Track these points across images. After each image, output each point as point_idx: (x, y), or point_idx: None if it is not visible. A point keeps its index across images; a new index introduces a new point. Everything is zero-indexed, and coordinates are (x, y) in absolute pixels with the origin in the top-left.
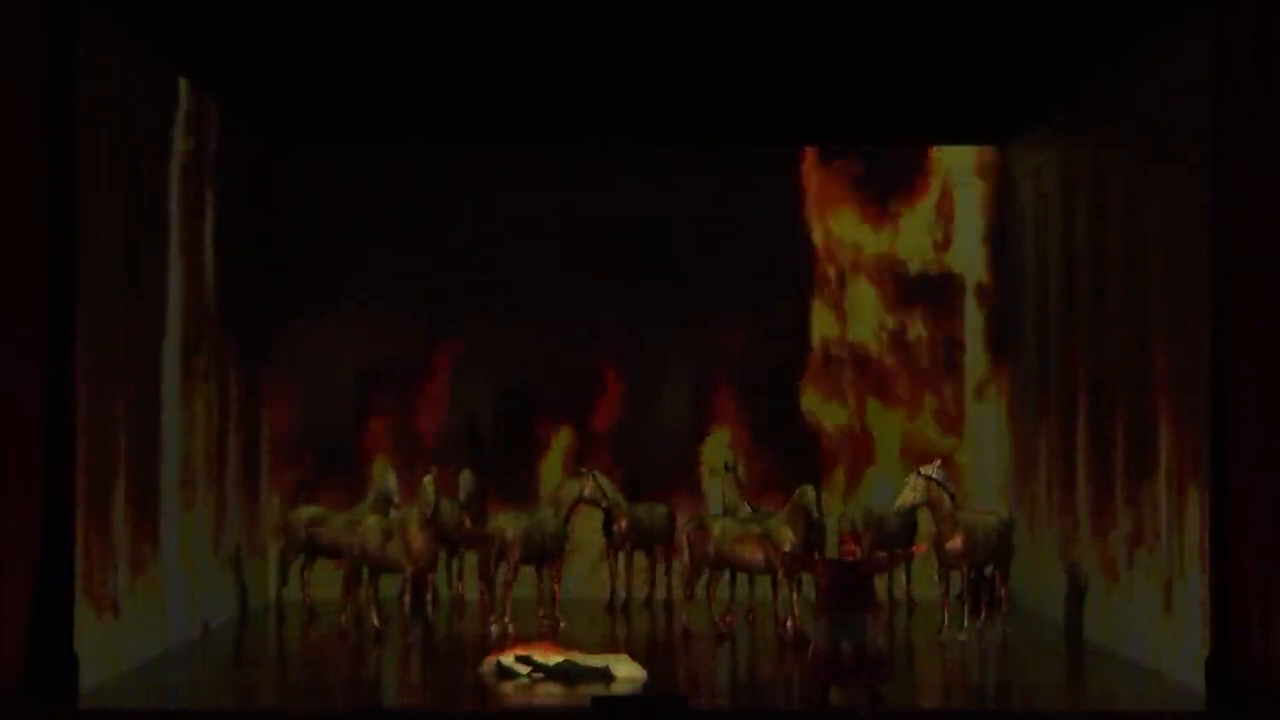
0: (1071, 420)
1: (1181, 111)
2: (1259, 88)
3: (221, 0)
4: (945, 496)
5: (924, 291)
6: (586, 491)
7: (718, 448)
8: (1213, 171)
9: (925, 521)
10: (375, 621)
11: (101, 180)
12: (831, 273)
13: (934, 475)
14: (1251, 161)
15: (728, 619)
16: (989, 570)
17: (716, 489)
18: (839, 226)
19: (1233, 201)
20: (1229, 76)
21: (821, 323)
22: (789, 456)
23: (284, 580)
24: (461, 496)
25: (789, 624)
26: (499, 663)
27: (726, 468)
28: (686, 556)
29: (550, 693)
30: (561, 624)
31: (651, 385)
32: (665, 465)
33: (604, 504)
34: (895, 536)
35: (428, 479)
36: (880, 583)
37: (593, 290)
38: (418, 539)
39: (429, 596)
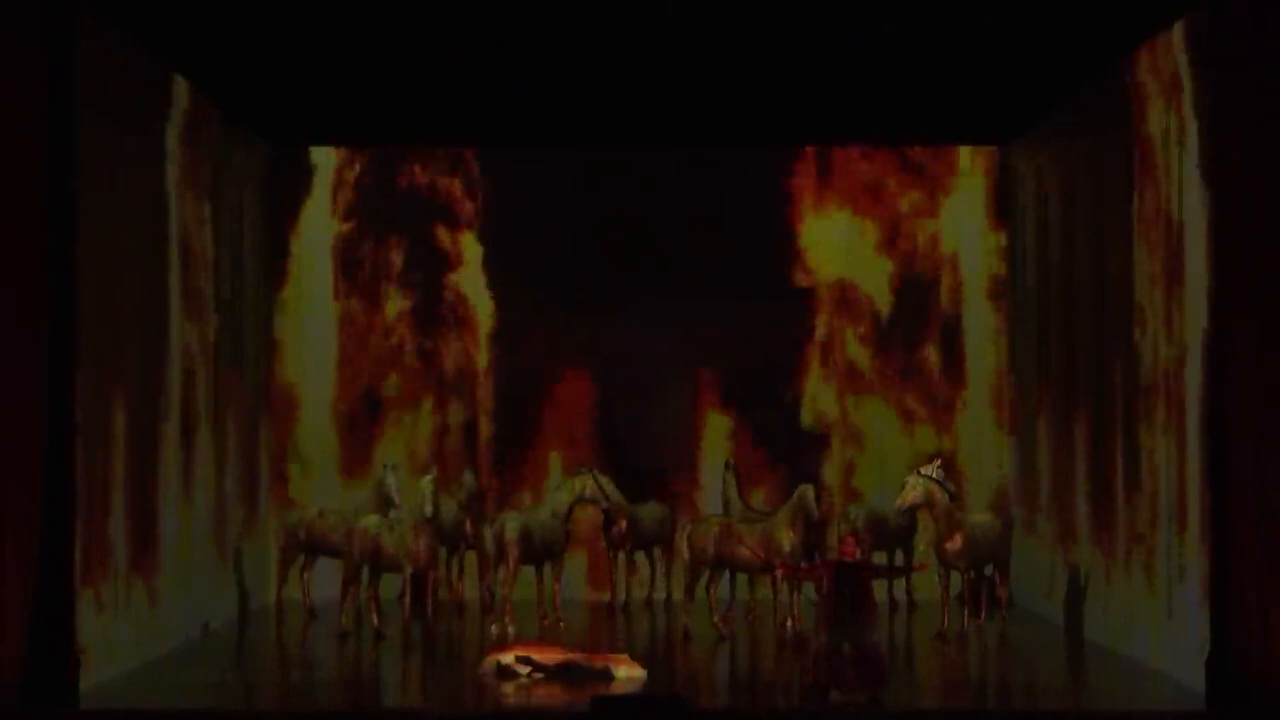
0: (1071, 419)
1: (1180, 111)
2: (1257, 87)
3: (221, 1)
4: (945, 496)
5: (922, 290)
6: (586, 491)
7: (717, 447)
8: (1212, 171)
9: (925, 521)
10: (375, 621)
11: (101, 180)
12: (831, 271)
13: (934, 475)
14: (1250, 160)
15: (728, 619)
16: (989, 570)
17: (715, 489)
18: (837, 225)
19: (1232, 200)
20: (1227, 76)
21: (822, 321)
22: (789, 456)
23: (284, 580)
24: (462, 497)
25: (789, 624)
26: (499, 663)
27: (726, 467)
28: (686, 557)
29: (550, 693)
30: (561, 624)
31: (651, 385)
32: (664, 465)
33: (604, 504)
34: (895, 536)
35: (427, 479)
36: (880, 583)
37: (592, 289)
38: (418, 539)
39: (429, 596)
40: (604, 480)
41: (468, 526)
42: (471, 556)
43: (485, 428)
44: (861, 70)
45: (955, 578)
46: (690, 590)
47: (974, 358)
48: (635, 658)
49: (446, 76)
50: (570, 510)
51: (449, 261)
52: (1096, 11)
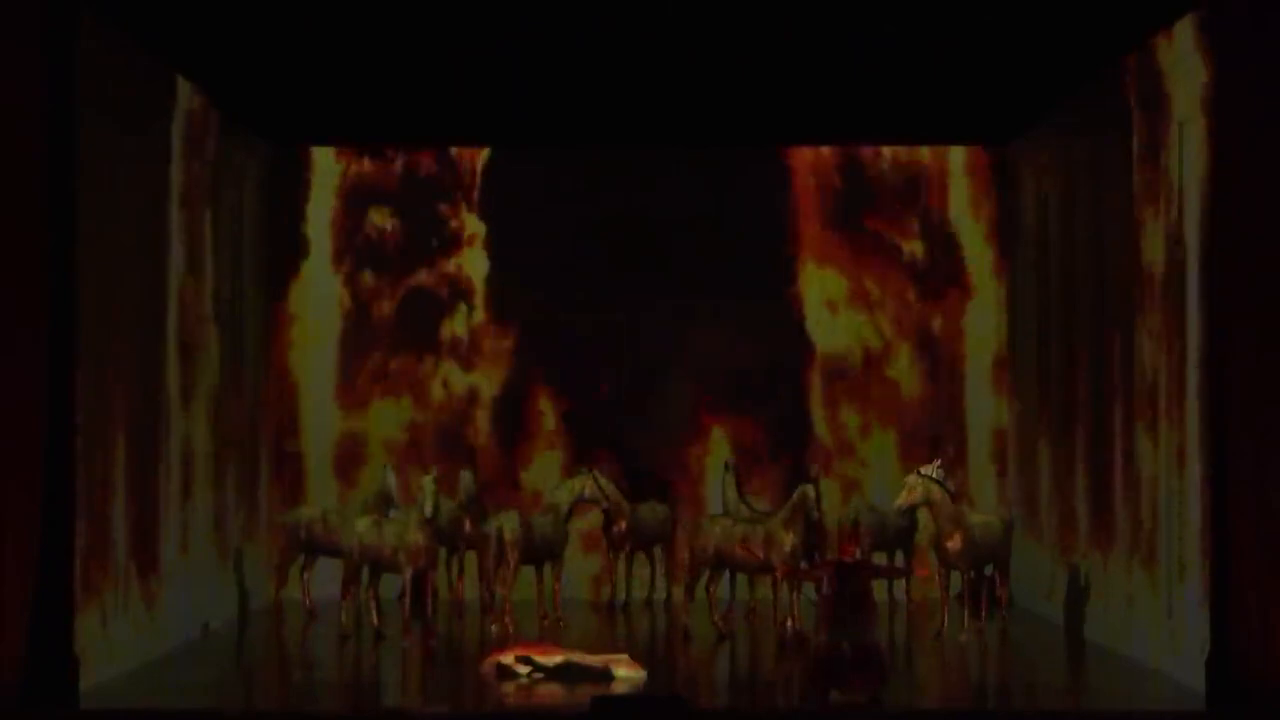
0: (1072, 419)
1: (1180, 111)
2: (1257, 87)
3: (221, 1)
4: (945, 496)
5: (923, 290)
6: (586, 491)
7: (717, 448)
8: (1212, 170)
9: (925, 521)
10: (375, 621)
11: (101, 180)
12: (830, 271)
13: (934, 475)
14: (1250, 160)
15: (728, 619)
16: (989, 570)
17: (716, 489)
18: (838, 225)
19: (1232, 200)
20: (1227, 75)
21: (822, 320)
22: (788, 456)
23: (284, 580)
24: (461, 497)
25: (789, 624)
26: (499, 663)
27: (726, 468)
28: (686, 557)
29: (550, 693)
30: (561, 624)
31: (651, 385)
32: (664, 465)
33: (604, 504)
34: (895, 536)
35: (428, 479)
36: (880, 582)
37: (592, 289)
38: (418, 539)
39: (429, 596)
40: (604, 480)
41: (467, 526)
42: (471, 556)
43: (485, 428)
44: (861, 70)
45: (955, 578)
46: (690, 590)
47: (974, 355)
48: (635, 658)
49: (446, 76)
50: (570, 510)
51: (448, 261)
52: (1096, 12)
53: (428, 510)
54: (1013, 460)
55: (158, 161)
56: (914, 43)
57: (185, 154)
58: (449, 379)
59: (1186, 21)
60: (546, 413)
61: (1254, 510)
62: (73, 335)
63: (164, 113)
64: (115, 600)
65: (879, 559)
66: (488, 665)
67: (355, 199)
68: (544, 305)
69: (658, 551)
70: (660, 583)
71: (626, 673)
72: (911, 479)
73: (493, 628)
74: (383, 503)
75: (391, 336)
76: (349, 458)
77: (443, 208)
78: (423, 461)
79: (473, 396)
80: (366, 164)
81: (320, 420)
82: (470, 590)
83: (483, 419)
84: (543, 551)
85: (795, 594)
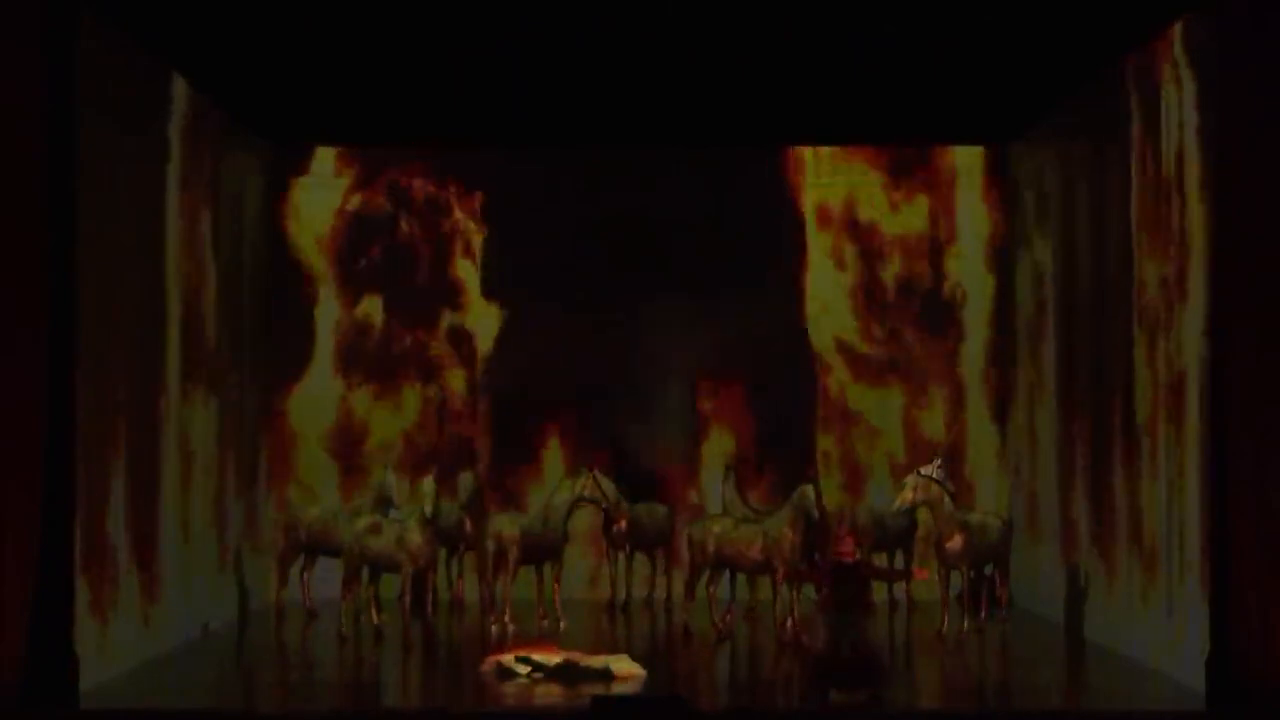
0: (1071, 419)
1: (1180, 111)
2: (1257, 87)
3: (221, 1)
4: (945, 496)
5: (924, 289)
6: (586, 491)
7: (717, 448)
8: (1212, 171)
9: (925, 521)
10: (375, 621)
11: (101, 180)
12: (832, 271)
13: (934, 475)
14: (1250, 161)
15: (728, 619)
16: (989, 570)
17: (716, 489)
18: (837, 225)
19: (1232, 201)
20: (1227, 76)
21: (822, 321)
22: (788, 456)
23: (284, 581)
24: (461, 497)
25: (789, 624)
26: (499, 663)
27: (726, 468)
28: (686, 556)
29: (550, 693)
30: (561, 624)
31: (651, 385)
32: (665, 465)
33: (604, 504)
34: (895, 536)
35: (428, 479)
36: (880, 583)
37: (592, 289)
38: (418, 539)
39: (429, 596)
40: (604, 480)
41: (468, 526)
42: (471, 556)
43: (485, 427)
44: (861, 70)
45: (955, 578)
46: (690, 590)
47: (973, 355)
48: (635, 658)
49: (447, 76)
50: (570, 510)
51: (449, 261)
52: (1096, 11)
53: (428, 511)
54: (1013, 460)
55: (158, 161)
56: (914, 43)
57: (185, 154)
58: (449, 378)
59: (1186, 21)
60: (547, 413)
61: (1254, 510)
62: (73, 335)
63: (164, 113)
64: (115, 600)
65: (879, 559)
66: (488, 665)
67: (355, 199)
68: (544, 305)
69: (658, 551)
70: (660, 583)
71: (626, 673)
72: (911, 479)
73: (493, 628)
74: (383, 503)
75: (391, 336)
76: (350, 458)
77: (443, 207)
78: (423, 462)
79: (473, 396)
80: (366, 163)
81: (320, 419)
82: (470, 590)
83: (483, 419)
84: (543, 551)
85: (795, 594)
